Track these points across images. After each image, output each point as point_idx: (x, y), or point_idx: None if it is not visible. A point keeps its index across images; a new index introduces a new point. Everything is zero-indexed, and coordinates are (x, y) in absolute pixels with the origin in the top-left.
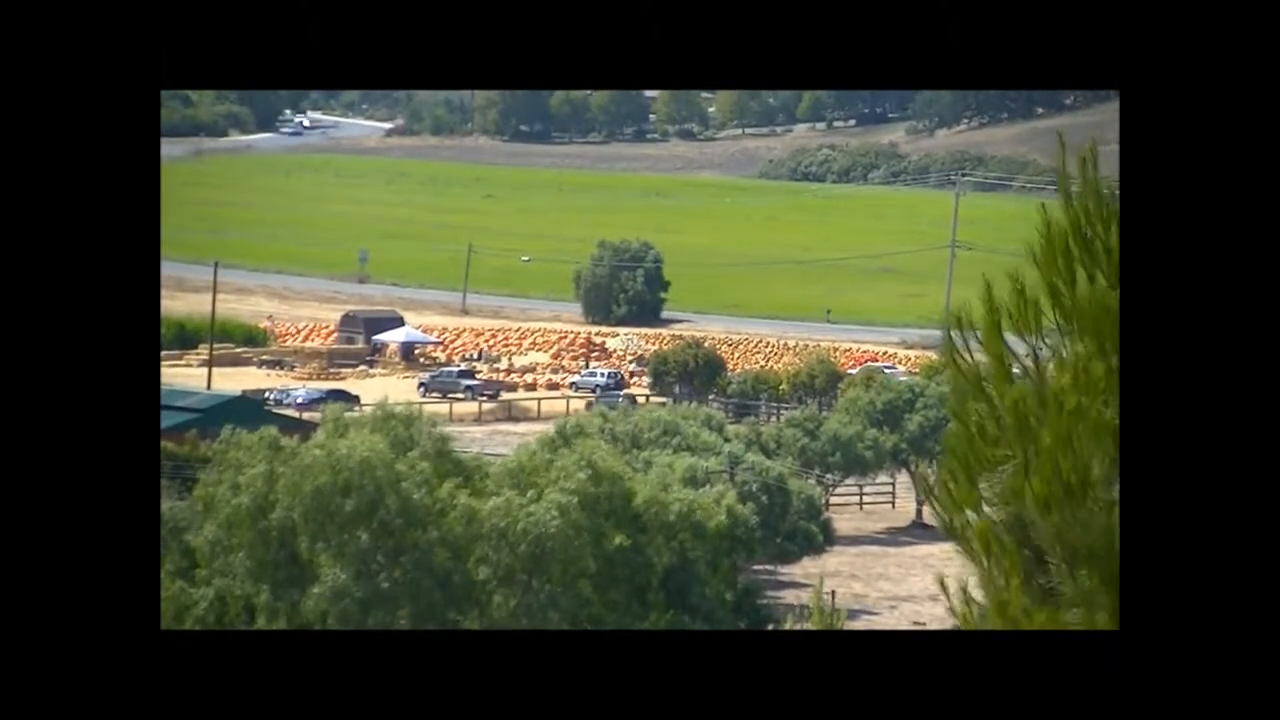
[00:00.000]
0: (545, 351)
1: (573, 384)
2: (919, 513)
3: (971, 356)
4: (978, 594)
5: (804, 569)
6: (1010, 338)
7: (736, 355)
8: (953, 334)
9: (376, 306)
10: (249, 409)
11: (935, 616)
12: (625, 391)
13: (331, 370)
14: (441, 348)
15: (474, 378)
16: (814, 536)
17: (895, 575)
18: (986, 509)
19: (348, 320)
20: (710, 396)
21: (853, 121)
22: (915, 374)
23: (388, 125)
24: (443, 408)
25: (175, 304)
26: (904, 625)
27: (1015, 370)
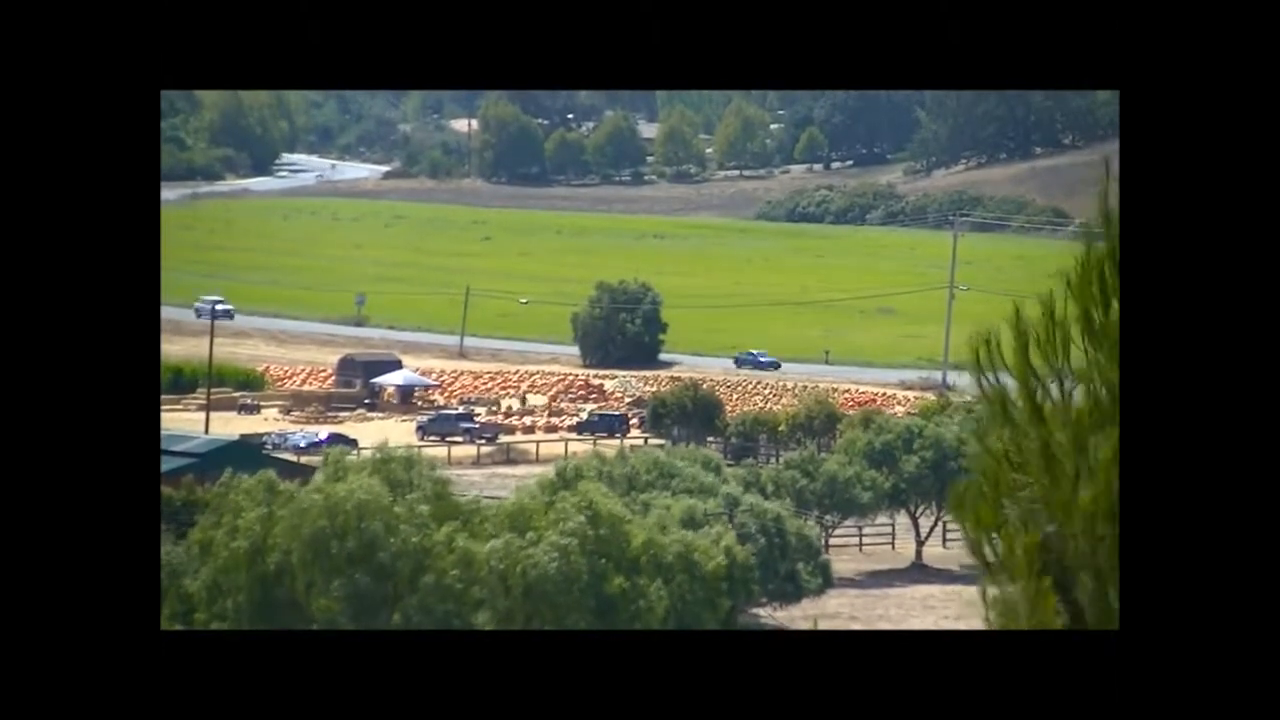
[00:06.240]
0: (544, 394)
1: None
2: (919, 554)
3: (997, 379)
4: (993, 614)
5: (803, 610)
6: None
7: (735, 397)
8: (980, 359)
9: (374, 350)
10: (247, 453)
11: None
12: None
13: (329, 414)
14: (440, 390)
15: (472, 420)
16: (813, 578)
17: (895, 616)
18: (1012, 532)
19: (345, 364)
20: (709, 438)
21: (850, 162)
22: (914, 415)
23: (385, 168)
24: (441, 451)
25: (172, 347)
26: None
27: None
